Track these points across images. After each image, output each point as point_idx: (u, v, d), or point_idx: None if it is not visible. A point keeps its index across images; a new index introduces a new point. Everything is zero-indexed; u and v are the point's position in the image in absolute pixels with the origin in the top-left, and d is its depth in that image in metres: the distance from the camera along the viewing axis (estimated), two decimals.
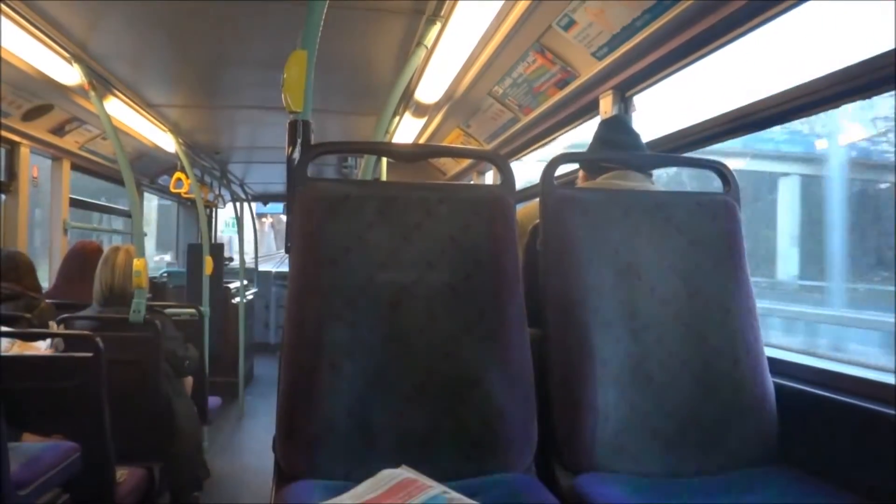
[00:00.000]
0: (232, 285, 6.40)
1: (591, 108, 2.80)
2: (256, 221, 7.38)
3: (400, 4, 2.43)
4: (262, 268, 8.44)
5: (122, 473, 2.47)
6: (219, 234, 8.39)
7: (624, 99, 2.55)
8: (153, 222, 8.57)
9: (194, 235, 6.98)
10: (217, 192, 6.87)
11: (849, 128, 5.24)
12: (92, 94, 2.95)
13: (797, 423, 1.60)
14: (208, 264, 4.62)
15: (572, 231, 1.62)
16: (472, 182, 5.07)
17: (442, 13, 2.37)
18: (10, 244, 3.54)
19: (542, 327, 1.62)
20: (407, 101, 3.41)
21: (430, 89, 3.17)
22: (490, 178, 4.87)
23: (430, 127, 4.10)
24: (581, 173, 2.09)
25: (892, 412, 1.39)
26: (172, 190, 5.21)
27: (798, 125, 5.58)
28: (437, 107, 3.54)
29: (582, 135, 3.25)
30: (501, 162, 1.68)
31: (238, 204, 6.76)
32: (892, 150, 5.00)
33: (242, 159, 6.00)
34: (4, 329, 2.42)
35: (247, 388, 6.08)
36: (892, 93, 1.57)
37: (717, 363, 1.60)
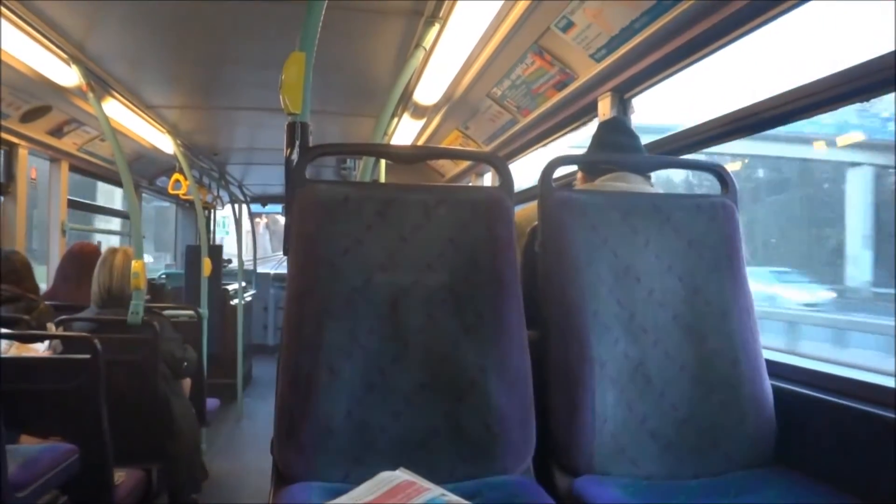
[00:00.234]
0: (230, 287, 6.39)
1: (590, 110, 2.80)
2: (250, 221, 7.33)
3: (398, 6, 2.43)
4: (260, 269, 8.43)
5: (120, 475, 2.47)
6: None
7: (622, 101, 2.56)
8: (150, 222, 8.57)
9: (192, 237, 6.97)
10: (215, 194, 6.87)
11: None
12: (90, 95, 2.95)
13: (795, 424, 1.60)
14: (207, 266, 4.61)
15: (571, 233, 1.62)
16: (470, 184, 5.07)
17: (440, 15, 2.37)
18: (8, 246, 3.53)
19: (540, 329, 1.62)
20: (405, 102, 3.41)
21: (428, 91, 3.17)
22: (489, 179, 4.87)
23: (429, 129, 4.10)
24: (580, 175, 2.09)
25: (890, 414, 1.39)
26: (171, 191, 5.20)
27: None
28: (435, 108, 3.54)
29: (580, 137, 3.25)
30: (500, 164, 1.68)
31: (237, 205, 6.76)
32: None
33: (241, 161, 6.00)
34: (4, 331, 2.41)
35: (245, 389, 6.08)
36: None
37: (715, 365, 1.60)
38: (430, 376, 1.46)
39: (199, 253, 4.73)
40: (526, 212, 2.05)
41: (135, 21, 2.61)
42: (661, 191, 1.93)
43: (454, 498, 1.20)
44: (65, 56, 2.81)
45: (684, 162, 2.25)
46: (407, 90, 3.18)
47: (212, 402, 3.89)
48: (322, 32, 1.58)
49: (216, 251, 5.84)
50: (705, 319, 1.63)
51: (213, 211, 7.59)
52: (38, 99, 3.40)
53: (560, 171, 1.80)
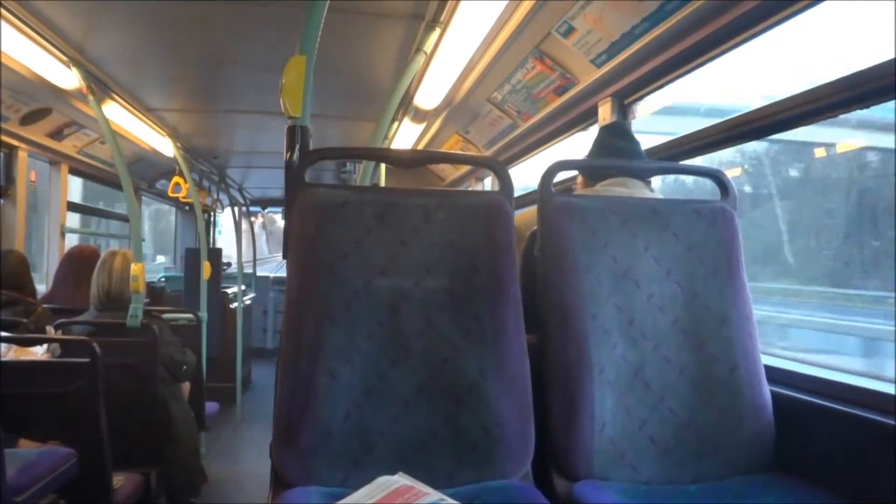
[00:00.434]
0: (230, 290, 6.39)
1: (590, 115, 2.80)
2: (245, 220, 7.30)
3: (399, 10, 2.43)
4: (259, 273, 8.43)
5: (118, 479, 2.46)
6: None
7: (622, 106, 2.56)
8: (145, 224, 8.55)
9: (192, 240, 6.97)
10: (215, 197, 6.87)
11: None
12: (90, 97, 2.95)
13: (794, 430, 1.59)
14: (206, 269, 4.61)
15: (570, 237, 1.62)
16: (470, 188, 5.07)
17: (441, 19, 2.37)
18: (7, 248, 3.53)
19: (539, 333, 1.62)
20: (406, 106, 3.41)
21: (429, 95, 3.17)
22: (489, 184, 4.87)
23: (429, 133, 4.11)
24: (580, 179, 2.09)
25: (889, 421, 1.39)
26: (170, 194, 5.21)
27: None
28: (435, 113, 3.54)
29: (579, 142, 3.25)
30: (500, 168, 1.68)
31: (236, 208, 6.76)
32: None
33: (241, 164, 6.00)
34: (2, 334, 2.41)
35: (244, 393, 6.07)
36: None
37: (714, 370, 1.60)
38: (429, 380, 1.45)
39: (199, 256, 4.73)
40: (525, 216, 2.05)
41: (135, 23, 2.61)
42: (660, 196, 1.93)
43: (453, 502, 1.19)
44: (65, 58, 2.81)
45: (684, 167, 2.25)
46: (407, 94, 3.18)
47: (211, 406, 3.89)
48: (323, 36, 1.58)
49: (216, 254, 5.84)
50: (704, 325, 1.63)
51: (212, 214, 7.59)
52: (37, 101, 3.41)
53: (560, 176, 1.79)
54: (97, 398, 2.24)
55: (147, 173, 5.54)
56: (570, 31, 2.35)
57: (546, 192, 1.67)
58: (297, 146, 1.54)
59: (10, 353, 2.40)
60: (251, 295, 7.40)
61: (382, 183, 3.96)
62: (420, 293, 1.49)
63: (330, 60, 2.69)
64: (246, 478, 4.13)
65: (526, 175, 4.35)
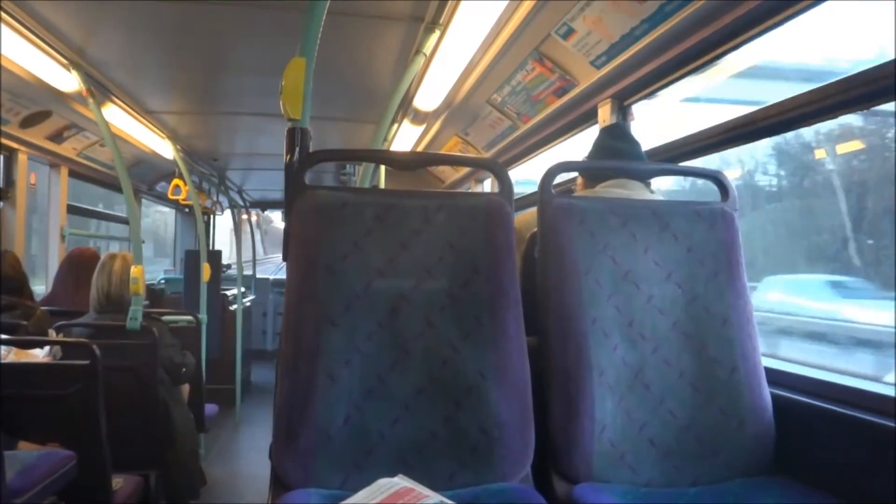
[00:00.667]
0: (229, 292, 6.39)
1: (590, 117, 2.80)
2: (241, 220, 7.27)
3: (399, 12, 2.43)
4: (259, 275, 8.43)
5: (118, 481, 2.46)
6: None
7: (622, 107, 2.56)
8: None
9: (191, 242, 6.97)
10: (215, 199, 6.87)
11: None
12: (90, 100, 2.95)
13: (794, 433, 1.59)
14: (206, 271, 4.61)
15: (570, 239, 1.62)
16: (470, 190, 5.08)
17: (441, 21, 2.37)
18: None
19: (539, 335, 1.62)
20: (405, 108, 3.41)
21: (428, 97, 3.17)
22: (488, 186, 4.87)
23: (429, 135, 4.10)
24: (580, 181, 2.10)
25: (889, 423, 1.39)
26: (170, 196, 5.21)
27: None
28: (435, 114, 3.54)
29: (579, 143, 3.25)
30: (500, 170, 1.68)
31: (236, 210, 6.76)
32: None
33: (241, 166, 6.00)
34: (2, 337, 2.41)
35: (244, 395, 6.07)
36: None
37: (714, 372, 1.60)
38: (429, 382, 1.45)
39: (199, 258, 4.73)
40: (525, 218, 2.05)
41: (135, 26, 2.61)
42: (660, 197, 1.93)
43: None
44: (65, 61, 2.81)
45: (684, 169, 2.26)
46: (407, 96, 3.18)
47: (210, 408, 3.89)
48: (322, 38, 1.58)
49: (215, 256, 5.84)
50: (705, 326, 1.63)
51: (212, 216, 7.59)
52: (37, 104, 3.40)
53: (560, 177, 1.79)
54: (97, 400, 2.24)
55: (147, 176, 5.54)
56: (569, 33, 2.35)
57: (546, 193, 1.67)
58: (297, 148, 1.54)
59: (10, 355, 2.39)
60: (251, 297, 7.40)
61: (382, 185, 3.96)
62: (420, 295, 1.49)
63: (330, 63, 2.69)
64: (245, 480, 4.13)
65: (526, 175, 4.34)
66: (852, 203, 3.43)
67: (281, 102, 1.52)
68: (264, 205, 8.27)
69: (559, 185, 1.99)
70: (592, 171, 2.03)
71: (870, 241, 3.40)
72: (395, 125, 3.69)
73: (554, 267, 1.62)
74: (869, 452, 1.42)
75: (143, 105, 3.70)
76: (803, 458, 1.57)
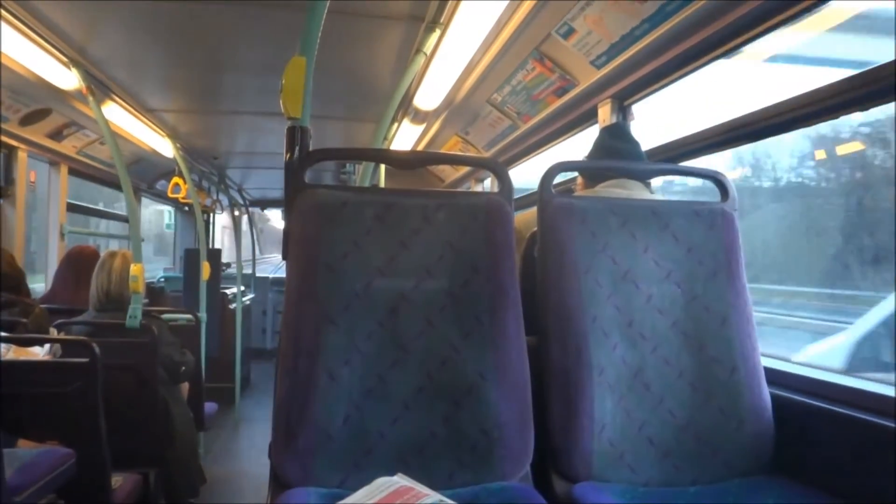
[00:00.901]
0: (229, 291, 6.39)
1: (590, 117, 2.80)
2: (238, 216, 7.25)
3: (399, 11, 2.43)
4: (259, 273, 8.43)
5: (117, 479, 2.46)
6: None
7: (622, 107, 2.56)
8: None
9: (191, 240, 6.97)
10: (215, 198, 6.86)
11: None
12: (90, 98, 2.95)
13: (794, 433, 1.59)
14: (205, 269, 4.61)
15: (570, 239, 1.62)
16: (470, 189, 5.08)
17: (441, 20, 2.37)
18: (7, 250, 3.52)
19: (539, 335, 1.62)
20: (406, 107, 3.41)
21: (428, 96, 3.17)
22: (488, 185, 4.87)
23: (429, 134, 4.10)
24: (580, 181, 2.10)
25: (889, 423, 1.39)
26: (170, 195, 5.21)
27: None
28: (435, 114, 3.54)
29: (579, 143, 3.25)
30: (500, 169, 1.68)
31: (236, 209, 6.75)
32: None
33: (241, 165, 5.99)
34: (2, 334, 2.41)
35: (243, 393, 6.07)
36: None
37: (714, 372, 1.60)
38: (428, 381, 1.45)
39: (198, 256, 4.73)
40: (525, 217, 2.05)
41: (135, 24, 2.61)
42: (660, 197, 1.93)
43: None
44: (65, 59, 2.81)
45: (684, 169, 2.26)
46: (407, 95, 3.18)
47: (210, 407, 3.89)
48: (323, 37, 1.58)
49: (215, 255, 5.84)
50: (704, 326, 1.63)
51: (212, 215, 7.59)
52: (37, 102, 3.40)
53: (560, 177, 1.80)
54: (96, 398, 2.24)
55: (147, 174, 5.53)
56: (570, 33, 2.35)
57: (546, 193, 1.67)
58: (297, 147, 1.54)
59: (10, 353, 2.39)
60: (250, 295, 7.40)
61: (382, 184, 3.96)
62: (420, 294, 1.49)
63: (330, 62, 2.69)
64: (245, 478, 4.13)
65: (526, 178, 4.34)
66: None
67: (281, 101, 1.52)
68: (264, 203, 8.27)
69: (559, 184, 1.99)
70: (592, 170, 2.03)
71: None
72: (396, 124, 3.68)
73: (554, 266, 1.62)
74: (868, 452, 1.43)
75: (143, 103, 3.70)
76: (802, 458, 1.57)
